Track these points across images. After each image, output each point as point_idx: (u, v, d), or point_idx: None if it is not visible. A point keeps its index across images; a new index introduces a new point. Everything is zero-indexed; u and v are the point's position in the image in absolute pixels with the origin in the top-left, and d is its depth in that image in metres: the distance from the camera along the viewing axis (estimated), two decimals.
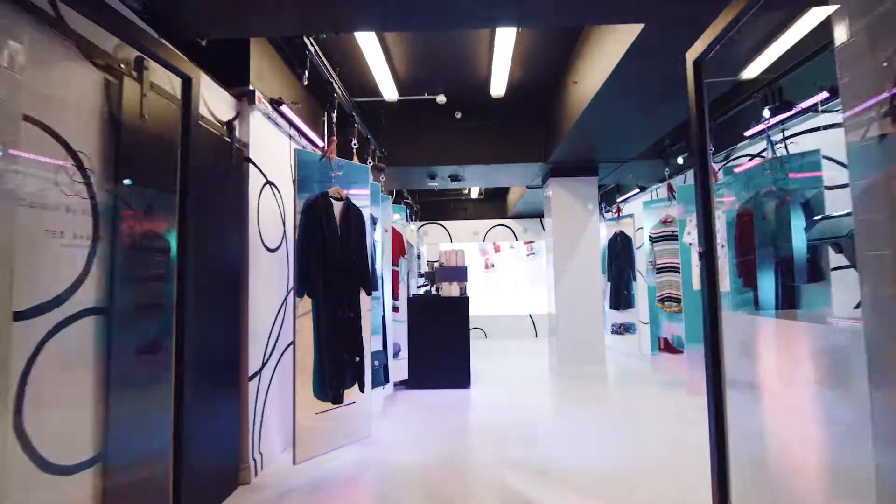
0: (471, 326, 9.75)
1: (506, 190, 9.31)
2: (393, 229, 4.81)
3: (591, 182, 5.57)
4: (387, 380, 4.08)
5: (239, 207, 2.82)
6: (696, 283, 4.14)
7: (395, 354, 4.75)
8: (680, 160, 4.73)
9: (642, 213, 5.53)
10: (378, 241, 3.79)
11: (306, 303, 2.81)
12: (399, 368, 4.78)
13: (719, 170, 4.41)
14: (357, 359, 2.98)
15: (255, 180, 3.00)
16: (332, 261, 2.86)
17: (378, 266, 3.76)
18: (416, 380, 5.01)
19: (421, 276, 5.54)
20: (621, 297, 6.54)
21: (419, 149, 5.24)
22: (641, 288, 6.91)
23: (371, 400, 3.18)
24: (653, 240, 5.14)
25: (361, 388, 3.01)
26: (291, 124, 3.57)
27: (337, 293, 2.90)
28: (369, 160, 4.24)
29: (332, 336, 2.86)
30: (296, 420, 2.68)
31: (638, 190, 7.08)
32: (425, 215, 9.75)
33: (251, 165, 2.95)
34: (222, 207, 2.62)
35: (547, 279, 5.99)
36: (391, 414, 4.05)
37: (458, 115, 5.06)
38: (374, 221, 3.76)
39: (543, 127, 5.25)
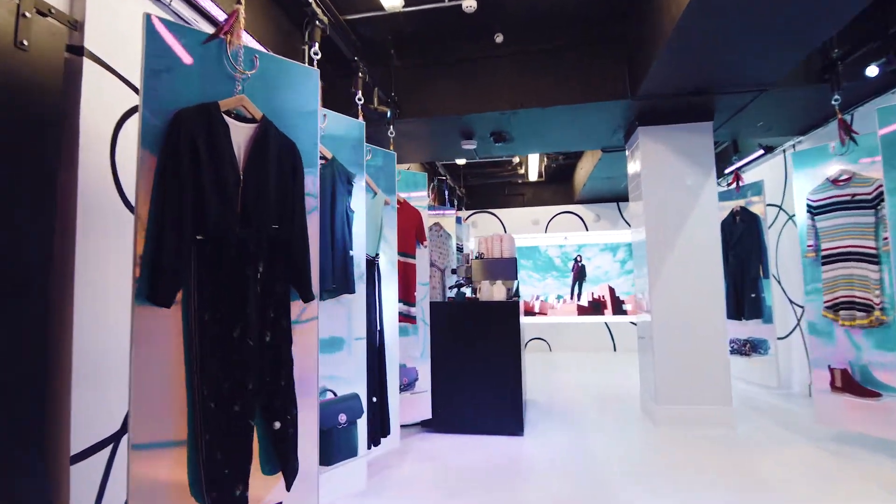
0: (531, 337, 8.08)
1: (571, 169, 7.53)
2: (406, 204, 3.36)
3: (703, 130, 3.74)
4: (385, 433, 2.61)
5: (50, 137, 1.49)
6: None
7: (410, 385, 3.28)
8: (873, 70, 2.78)
9: (791, 172, 3.63)
10: (357, 213, 2.35)
11: (168, 318, 1.41)
12: (415, 404, 3.30)
13: None
14: (277, 424, 1.54)
15: (106, 94, 1.68)
16: (220, 232, 1.44)
17: (355, 253, 2.31)
18: (442, 419, 3.51)
19: (453, 271, 4.03)
20: (744, 302, 4.58)
21: (445, 91, 3.73)
22: (776, 289, 4.88)
23: (319, 491, 1.72)
24: (814, 211, 3.23)
25: (288, 482, 1.57)
26: (219, 28, 2.24)
27: (233, 297, 1.47)
28: (359, 96, 2.81)
29: (220, 380, 1.44)
30: None
31: (761, 152, 5.09)
32: (473, 203, 8.21)
33: (94, 66, 1.62)
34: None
35: (636, 276, 4.23)
36: (389, 481, 2.57)
37: (499, 37, 3.49)
38: (349, 181, 2.32)
39: (627, 41, 3.51)
